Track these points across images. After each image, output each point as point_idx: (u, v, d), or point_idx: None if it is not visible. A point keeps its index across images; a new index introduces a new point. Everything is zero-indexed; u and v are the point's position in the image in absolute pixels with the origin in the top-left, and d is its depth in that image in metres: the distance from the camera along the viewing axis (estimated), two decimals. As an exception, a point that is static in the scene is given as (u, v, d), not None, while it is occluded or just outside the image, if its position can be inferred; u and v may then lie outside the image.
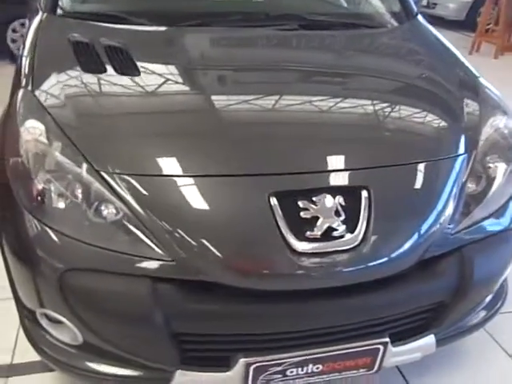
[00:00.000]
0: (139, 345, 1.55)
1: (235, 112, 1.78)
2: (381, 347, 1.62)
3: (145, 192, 1.50)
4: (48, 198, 1.52)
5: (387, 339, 1.61)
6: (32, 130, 1.63)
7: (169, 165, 1.57)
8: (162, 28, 2.14)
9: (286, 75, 2.04)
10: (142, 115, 1.73)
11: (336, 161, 1.63)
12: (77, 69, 1.82)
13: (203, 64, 2.03)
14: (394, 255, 1.54)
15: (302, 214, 1.49)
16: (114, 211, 1.49)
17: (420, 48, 2.36)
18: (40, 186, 1.53)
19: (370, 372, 1.70)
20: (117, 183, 1.50)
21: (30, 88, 1.76)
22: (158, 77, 1.88)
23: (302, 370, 1.60)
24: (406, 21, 2.47)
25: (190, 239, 1.46)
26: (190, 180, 1.54)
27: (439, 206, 1.62)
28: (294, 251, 1.47)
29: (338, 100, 1.90)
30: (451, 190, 1.66)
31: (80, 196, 1.51)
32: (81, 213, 1.50)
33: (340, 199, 1.52)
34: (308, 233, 1.48)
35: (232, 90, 1.93)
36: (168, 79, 1.89)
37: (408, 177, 1.65)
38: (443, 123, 1.86)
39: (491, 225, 1.75)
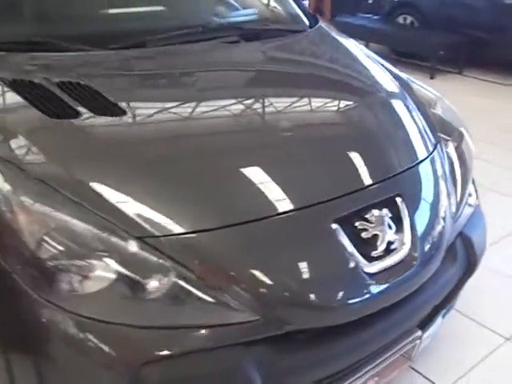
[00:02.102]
0: None
1: (262, 148, 1.61)
2: (418, 341, 1.71)
3: (207, 250, 1.31)
4: (77, 284, 1.25)
5: (420, 332, 1.70)
6: (32, 207, 1.30)
7: (225, 214, 1.38)
8: (104, 52, 1.78)
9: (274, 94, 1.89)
10: (163, 161, 1.47)
11: (371, 174, 1.61)
12: (43, 118, 1.47)
13: (183, 89, 1.81)
14: (437, 252, 1.62)
15: (362, 234, 1.46)
16: (175, 280, 1.27)
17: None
18: (59, 271, 1.25)
19: (407, 363, 1.79)
20: (170, 247, 1.28)
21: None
22: (146, 112, 1.65)
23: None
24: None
25: (270, 289, 1.32)
26: (253, 226, 1.37)
27: (448, 196, 1.74)
28: (369, 274, 1.44)
29: (337, 112, 1.89)
30: (447, 178, 1.79)
31: (125, 272, 1.25)
32: (137, 294, 1.26)
33: (385, 211, 1.53)
34: (373, 252, 1.46)
35: (249, 123, 1.72)
36: (160, 114, 1.64)
37: (419, 176, 1.73)
38: (418, 123, 1.95)
39: (470, 203, 1.93)
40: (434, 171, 1.77)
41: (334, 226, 1.43)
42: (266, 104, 1.80)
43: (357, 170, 1.61)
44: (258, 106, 1.79)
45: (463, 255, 1.82)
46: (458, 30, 6.12)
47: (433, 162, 1.79)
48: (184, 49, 1.90)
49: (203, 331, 1.28)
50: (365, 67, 2.20)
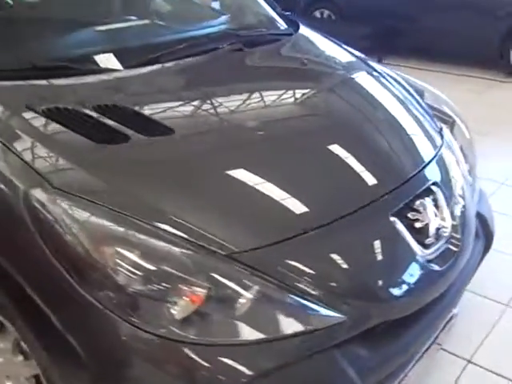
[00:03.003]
0: None
1: (320, 157, 1.64)
2: (454, 319, 1.80)
3: (290, 259, 1.33)
4: (169, 308, 1.22)
5: (455, 311, 1.79)
6: (111, 236, 1.26)
7: (300, 222, 1.41)
8: (125, 71, 1.73)
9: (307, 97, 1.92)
10: (230, 175, 1.47)
11: (410, 166, 1.69)
12: (94, 145, 1.43)
13: (221, 100, 1.77)
14: (471, 232, 1.73)
15: (416, 224, 1.52)
16: (264, 293, 1.27)
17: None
18: (149, 295, 1.23)
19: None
20: (256, 261, 1.28)
21: (47, 188, 1.31)
22: (194, 127, 1.62)
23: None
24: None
25: (352, 288, 1.38)
26: (325, 230, 1.40)
27: (465, 178, 1.87)
28: (429, 262, 1.50)
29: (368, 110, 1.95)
30: (459, 162, 1.91)
31: (216, 291, 1.24)
32: (229, 312, 1.25)
33: (429, 200, 1.60)
34: (427, 240, 1.53)
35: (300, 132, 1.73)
36: (209, 126, 1.62)
37: (443, 162, 1.82)
38: (428, 113, 2.07)
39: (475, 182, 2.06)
40: (450, 156, 1.87)
41: (392, 219, 1.49)
42: (312, 108, 1.83)
43: (399, 163, 1.70)
44: (305, 111, 1.82)
45: (481, 232, 1.94)
46: (373, 21, 6.41)
47: (447, 148, 1.89)
48: (199, 60, 1.88)
49: (298, 339, 1.29)
50: (367, 64, 2.28)
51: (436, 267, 1.53)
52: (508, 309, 2.37)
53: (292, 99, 1.89)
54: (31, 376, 1.51)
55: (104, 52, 1.74)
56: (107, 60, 1.70)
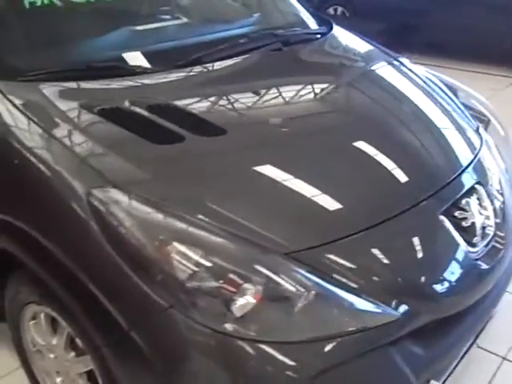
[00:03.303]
0: None
1: (371, 155, 1.64)
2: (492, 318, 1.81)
3: (345, 257, 1.35)
4: (230, 305, 1.24)
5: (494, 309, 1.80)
6: (176, 237, 1.28)
7: (355, 220, 1.44)
8: (171, 72, 1.76)
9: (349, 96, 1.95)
10: (285, 173, 1.48)
11: (457, 165, 1.71)
12: (147, 144, 1.45)
13: (270, 99, 1.79)
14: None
15: (463, 223, 1.54)
16: (321, 291, 1.29)
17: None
18: (212, 293, 1.25)
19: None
20: (313, 259, 1.31)
21: (107, 187, 1.33)
22: (246, 129, 1.64)
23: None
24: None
25: (406, 285, 1.40)
26: (379, 228, 1.42)
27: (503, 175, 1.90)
28: (477, 260, 1.53)
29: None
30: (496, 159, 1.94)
31: (275, 289, 1.26)
32: (288, 309, 1.27)
33: (474, 198, 1.62)
34: (474, 239, 1.55)
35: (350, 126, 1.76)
36: (260, 130, 1.65)
37: (484, 161, 1.84)
38: (465, 112, 2.09)
39: None
40: (489, 155, 1.89)
41: (441, 218, 1.51)
42: (363, 104, 1.85)
43: (444, 163, 1.72)
44: (357, 107, 1.86)
45: None
46: (387, 17, 6.39)
47: (486, 147, 1.91)
48: (243, 60, 1.90)
49: (354, 337, 1.30)
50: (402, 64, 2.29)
51: (484, 265, 1.55)
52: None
53: (339, 97, 1.93)
54: (83, 372, 1.55)
55: (153, 52, 1.77)
56: (156, 60, 1.73)
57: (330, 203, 1.45)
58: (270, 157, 1.54)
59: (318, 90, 1.92)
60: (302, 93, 1.87)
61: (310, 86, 1.92)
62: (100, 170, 1.36)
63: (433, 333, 1.45)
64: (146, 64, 1.72)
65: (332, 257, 1.33)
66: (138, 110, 1.55)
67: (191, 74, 1.78)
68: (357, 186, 1.53)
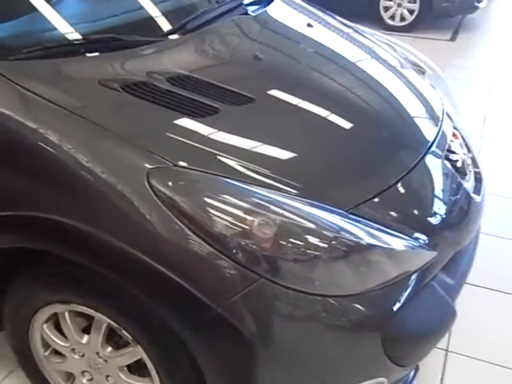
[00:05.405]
0: None
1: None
2: None
3: (396, 209, 1.46)
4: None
5: None
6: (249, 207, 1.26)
7: (390, 174, 1.52)
8: (171, 40, 1.69)
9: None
10: (326, 132, 1.54)
11: (438, 113, 1.86)
12: (191, 120, 1.40)
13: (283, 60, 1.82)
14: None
15: (457, 165, 1.71)
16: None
17: None
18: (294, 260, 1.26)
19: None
20: (369, 214, 1.38)
21: (168, 166, 1.26)
22: (271, 93, 1.61)
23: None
24: None
25: (440, 225, 1.53)
26: (411, 176, 1.54)
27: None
28: (472, 194, 1.73)
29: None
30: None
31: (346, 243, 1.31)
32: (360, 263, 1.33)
33: (457, 142, 1.80)
34: (466, 177, 1.74)
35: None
36: (284, 93, 1.62)
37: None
38: None
39: None
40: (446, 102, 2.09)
41: (445, 162, 1.66)
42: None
43: (431, 113, 1.85)
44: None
45: None
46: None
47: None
48: (231, 24, 1.87)
49: (415, 276, 1.41)
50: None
51: (477, 198, 1.74)
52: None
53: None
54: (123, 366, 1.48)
55: (155, 19, 1.70)
56: (162, 27, 1.64)
57: (370, 161, 1.54)
58: (307, 118, 1.57)
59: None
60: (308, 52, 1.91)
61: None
62: (152, 149, 1.27)
63: (452, 263, 1.61)
64: (150, 33, 1.64)
65: (383, 209, 1.41)
66: (158, 83, 1.47)
67: (194, 40, 1.70)
68: (384, 142, 1.64)
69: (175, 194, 1.22)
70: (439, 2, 6.06)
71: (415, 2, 6.12)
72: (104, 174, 1.24)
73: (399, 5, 6.17)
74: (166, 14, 1.76)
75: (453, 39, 6.10)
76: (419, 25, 6.15)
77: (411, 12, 6.15)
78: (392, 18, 6.25)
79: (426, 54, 2.48)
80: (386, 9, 6.23)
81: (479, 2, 6.16)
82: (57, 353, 1.58)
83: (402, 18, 6.21)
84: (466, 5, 6.16)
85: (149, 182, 1.23)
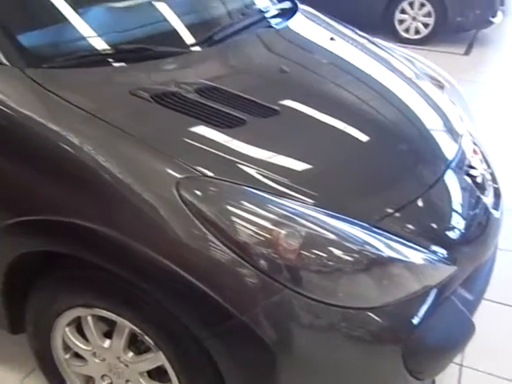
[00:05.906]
0: None
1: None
2: None
3: (418, 222, 1.49)
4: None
5: None
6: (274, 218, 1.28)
7: (413, 188, 1.56)
8: (195, 51, 1.73)
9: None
10: (353, 144, 1.58)
11: (458, 129, 1.88)
12: (218, 131, 1.43)
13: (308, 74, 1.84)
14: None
15: (477, 180, 1.73)
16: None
17: None
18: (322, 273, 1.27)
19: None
20: (391, 227, 1.40)
21: (198, 176, 1.29)
22: (294, 106, 1.63)
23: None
24: None
25: (460, 240, 1.55)
26: (433, 191, 1.57)
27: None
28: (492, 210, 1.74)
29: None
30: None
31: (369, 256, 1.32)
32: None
33: (477, 158, 1.82)
34: (486, 192, 1.76)
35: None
36: (307, 106, 1.65)
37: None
38: None
39: None
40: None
41: (466, 177, 1.68)
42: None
43: (452, 128, 1.87)
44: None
45: None
46: None
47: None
48: (255, 37, 1.91)
49: (434, 291, 1.42)
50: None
51: (496, 214, 1.75)
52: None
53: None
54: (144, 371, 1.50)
55: (182, 31, 1.75)
56: (189, 39, 1.68)
57: (392, 175, 1.57)
58: (331, 131, 1.61)
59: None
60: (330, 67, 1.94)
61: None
62: (181, 158, 1.29)
63: (471, 278, 1.62)
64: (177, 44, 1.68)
65: (404, 222, 1.43)
66: (187, 94, 1.50)
67: (221, 52, 1.74)
68: (408, 157, 1.67)
69: (203, 204, 1.25)
70: (454, 16, 6.10)
71: (430, 16, 6.15)
72: (134, 182, 1.27)
73: (414, 18, 6.21)
74: (193, 26, 1.80)
75: (467, 53, 6.12)
76: (433, 38, 6.18)
77: (426, 26, 6.19)
78: (406, 30, 6.28)
79: (440, 67, 2.50)
80: (401, 22, 6.27)
81: (494, 17, 6.19)
82: (77, 356, 1.60)
83: (417, 31, 6.25)
84: (480, 19, 6.20)
85: (178, 191, 1.25)
